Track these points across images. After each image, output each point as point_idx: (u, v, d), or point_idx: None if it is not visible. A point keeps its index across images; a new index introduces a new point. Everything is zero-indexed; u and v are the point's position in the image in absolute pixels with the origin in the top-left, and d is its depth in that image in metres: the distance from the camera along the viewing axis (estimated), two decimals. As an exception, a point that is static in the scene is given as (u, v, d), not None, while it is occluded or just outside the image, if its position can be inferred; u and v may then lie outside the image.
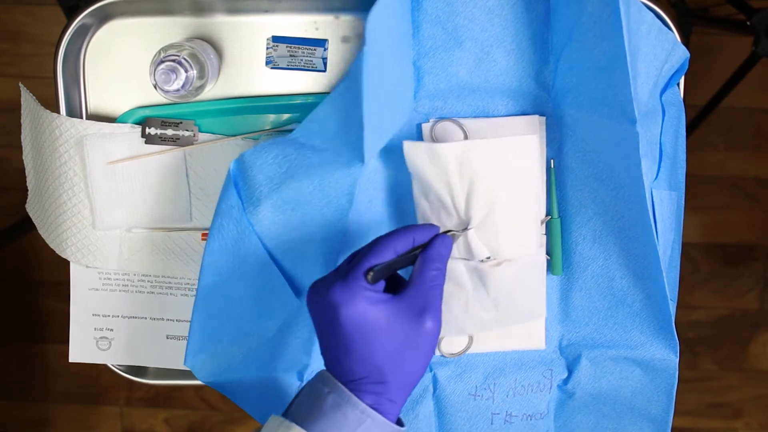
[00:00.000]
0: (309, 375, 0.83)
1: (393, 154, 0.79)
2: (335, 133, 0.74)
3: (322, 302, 0.66)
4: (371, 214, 0.81)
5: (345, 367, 0.66)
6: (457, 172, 0.76)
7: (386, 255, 0.67)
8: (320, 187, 0.75)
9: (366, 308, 0.65)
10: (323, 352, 0.68)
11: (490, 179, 0.76)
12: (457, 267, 0.79)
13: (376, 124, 0.72)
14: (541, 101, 0.80)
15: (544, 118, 0.80)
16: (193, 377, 0.88)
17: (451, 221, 0.78)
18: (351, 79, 0.69)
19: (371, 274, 0.65)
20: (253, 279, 0.78)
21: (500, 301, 0.80)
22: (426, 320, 0.66)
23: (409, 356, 0.66)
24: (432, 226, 0.72)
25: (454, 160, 0.76)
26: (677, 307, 0.83)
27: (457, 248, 0.78)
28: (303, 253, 0.78)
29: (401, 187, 0.81)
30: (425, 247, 0.69)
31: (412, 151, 0.77)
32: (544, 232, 0.82)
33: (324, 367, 0.69)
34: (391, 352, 0.65)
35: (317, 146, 0.75)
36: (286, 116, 0.83)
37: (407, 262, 0.69)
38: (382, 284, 0.67)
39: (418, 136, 0.80)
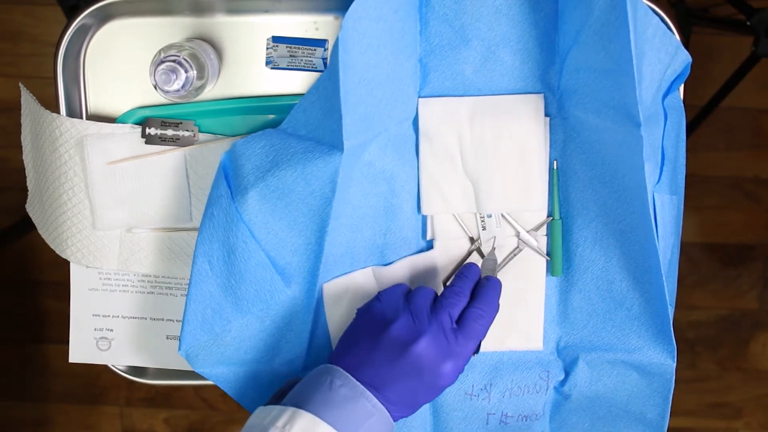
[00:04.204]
0: (305, 370, 0.83)
1: (389, 148, 0.80)
2: (319, 121, 0.75)
3: (418, 346, 0.71)
4: (366, 208, 0.81)
5: (387, 395, 0.71)
6: (468, 125, 0.79)
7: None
8: (303, 175, 0.76)
9: (453, 368, 0.72)
10: (355, 359, 0.72)
11: (499, 134, 0.80)
12: None
13: (361, 114, 0.73)
14: (546, 102, 0.80)
15: (548, 119, 0.80)
16: (193, 377, 0.88)
17: (456, 178, 0.81)
18: (332, 67, 0.69)
19: (476, 353, 0.76)
20: (241, 267, 0.78)
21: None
22: (461, 369, 0.74)
23: (439, 394, 0.74)
24: (474, 267, 0.79)
25: (466, 113, 0.79)
26: (676, 308, 0.83)
27: (466, 201, 0.82)
28: (288, 241, 0.79)
29: (396, 182, 0.81)
30: (478, 299, 0.75)
31: (427, 106, 0.80)
32: (547, 188, 0.82)
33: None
34: (434, 395, 0.73)
35: (302, 135, 0.77)
36: (286, 117, 0.83)
37: None
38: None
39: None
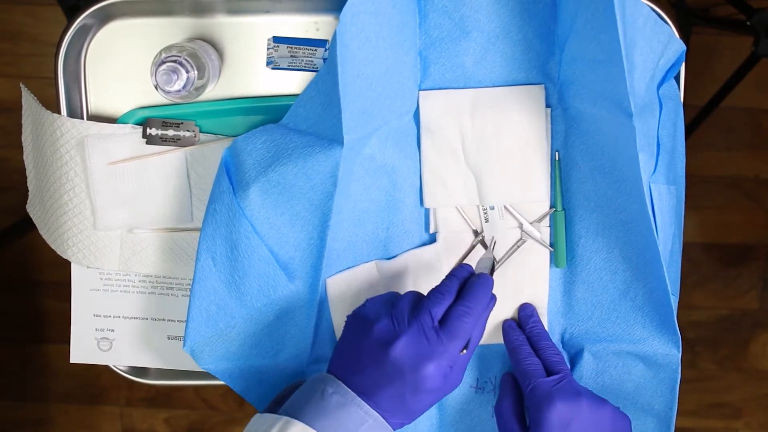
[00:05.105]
0: (310, 365, 0.84)
1: (390, 142, 0.80)
2: (319, 116, 0.75)
3: (396, 347, 0.69)
4: (368, 202, 0.81)
5: (377, 400, 0.69)
6: (470, 118, 0.79)
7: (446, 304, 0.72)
8: (304, 170, 0.76)
9: (439, 373, 0.69)
10: (347, 369, 0.71)
11: (501, 126, 0.80)
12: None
13: (361, 108, 0.73)
14: (547, 93, 0.80)
15: (549, 110, 0.80)
16: (194, 377, 0.88)
17: (458, 170, 0.81)
18: (331, 62, 0.70)
19: (464, 351, 0.71)
20: (244, 263, 0.78)
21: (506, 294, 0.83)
22: (460, 376, 0.72)
23: (434, 400, 0.71)
24: (466, 266, 0.76)
25: (467, 106, 0.79)
26: (677, 307, 0.83)
27: (467, 193, 0.82)
28: (290, 236, 0.79)
29: (398, 175, 0.81)
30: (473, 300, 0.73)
31: (428, 99, 0.80)
32: (549, 180, 0.82)
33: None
34: (429, 401, 0.71)
35: (303, 130, 0.77)
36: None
37: None
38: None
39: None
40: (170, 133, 0.82)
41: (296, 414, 0.67)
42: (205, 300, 0.79)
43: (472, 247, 0.83)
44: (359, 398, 0.68)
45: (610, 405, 0.75)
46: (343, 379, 0.70)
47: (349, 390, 0.69)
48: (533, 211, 0.83)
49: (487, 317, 0.74)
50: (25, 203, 0.88)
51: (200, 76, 0.77)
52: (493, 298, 0.74)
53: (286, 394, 0.75)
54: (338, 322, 0.83)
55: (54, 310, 1.73)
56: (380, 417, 0.68)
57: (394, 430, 0.70)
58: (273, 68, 0.83)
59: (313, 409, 0.68)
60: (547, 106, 0.81)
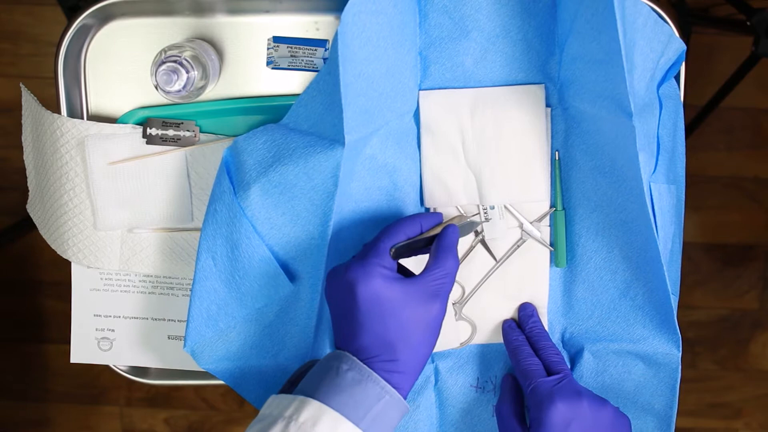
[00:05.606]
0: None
1: (390, 142, 0.80)
2: (320, 116, 0.75)
3: (339, 282, 0.70)
4: (369, 202, 0.81)
5: (358, 344, 0.69)
6: (470, 117, 0.80)
7: (398, 238, 0.72)
8: (305, 169, 0.76)
9: (381, 285, 0.69)
10: (337, 332, 0.71)
11: (501, 125, 0.80)
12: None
13: (362, 108, 0.73)
14: (547, 93, 0.80)
15: (549, 110, 0.81)
16: (195, 377, 0.88)
17: (458, 170, 0.81)
18: (332, 62, 0.70)
19: (394, 250, 0.71)
20: (245, 263, 0.78)
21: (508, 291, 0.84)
22: (435, 304, 0.70)
23: (418, 336, 0.69)
24: (436, 214, 0.76)
25: (467, 105, 0.80)
26: (677, 307, 0.83)
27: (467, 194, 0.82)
28: (291, 236, 0.79)
29: (398, 175, 0.81)
30: (441, 235, 0.73)
31: (428, 99, 0.80)
32: (550, 179, 0.82)
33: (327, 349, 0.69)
34: (402, 330, 0.69)
35: (304, 130, 0.77)
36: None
37: (421, 246, 0.74)
38: (395, 266, 0.72)
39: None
40: (170, 133, 0.82)
41: (312, 393, 0.67)
42: (205, 300, 0.79)
43: (472, 248, 0.83)
44: (375, 374, 0.68)
45: (610, 405, 0.75)
46: (353, 351, 0.69)
47: (364, 366, 0.68)
48: (533, 210, 0.83)
49: (451, 243, 0.73)
50: (25, 203, 0.88)
51: (201, 76, 0.77)
52: (453, 227, 0.74)
53: (299, 374, 0.74)
54: None
55: (54, 310, 1.73)
56: (396, 393, 0.68)
57: (403, 396, 0.69)
58: (273, 68, 0.83)
59: (329, 386, 0.67)
60: (547, 105, 0.81)
